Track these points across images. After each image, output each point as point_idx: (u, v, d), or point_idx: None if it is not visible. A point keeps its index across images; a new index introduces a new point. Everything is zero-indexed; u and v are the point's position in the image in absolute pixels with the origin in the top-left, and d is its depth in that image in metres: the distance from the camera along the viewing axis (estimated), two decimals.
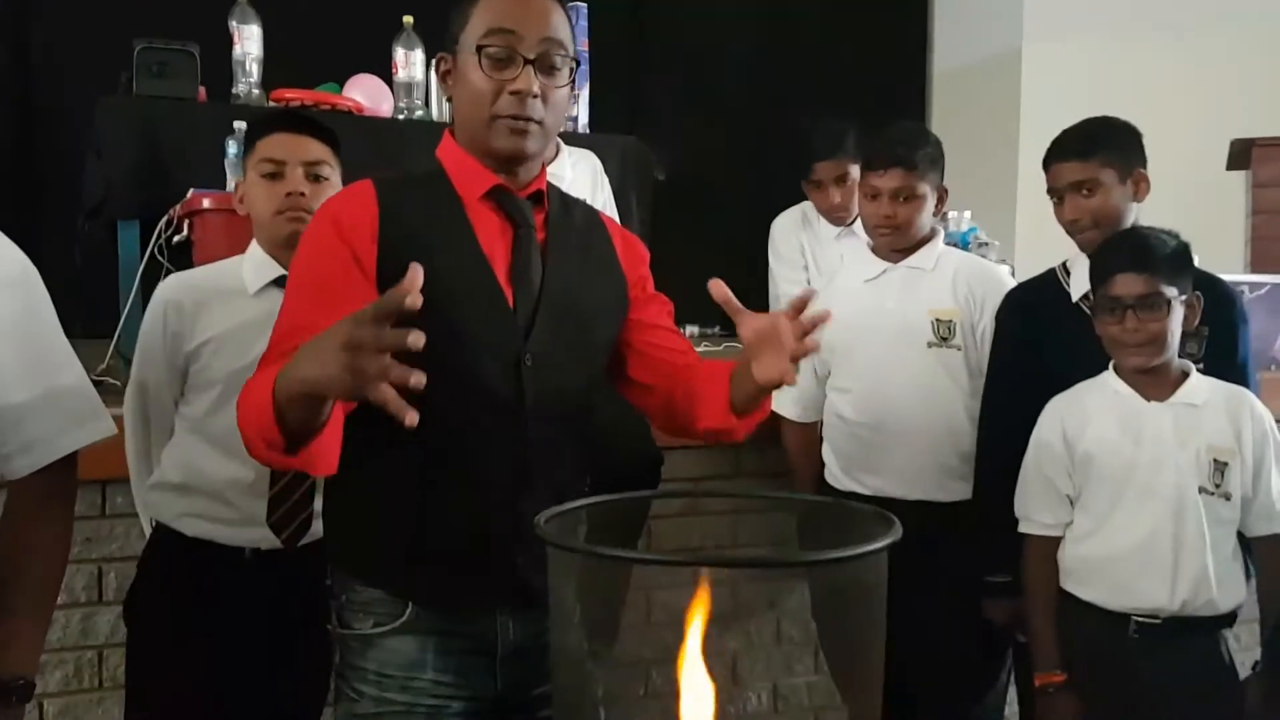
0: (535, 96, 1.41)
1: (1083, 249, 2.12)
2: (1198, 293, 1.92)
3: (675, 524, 2.48)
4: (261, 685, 1.84)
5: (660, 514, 2.45)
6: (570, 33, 1.47)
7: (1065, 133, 2.11)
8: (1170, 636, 1.87)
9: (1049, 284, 2.18)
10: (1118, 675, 1.91)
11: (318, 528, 1.80)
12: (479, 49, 1.40)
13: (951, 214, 3.19)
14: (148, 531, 1.94)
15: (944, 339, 2.20)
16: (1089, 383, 1.98)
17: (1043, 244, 2.28)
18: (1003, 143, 4.57)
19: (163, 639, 1.83)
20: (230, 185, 2.65)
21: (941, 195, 2.26)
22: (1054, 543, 1.99)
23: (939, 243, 2.30)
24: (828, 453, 2.36)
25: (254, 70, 3.17)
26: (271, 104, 3.14)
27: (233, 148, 2.77)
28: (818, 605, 2.06)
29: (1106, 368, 1.99)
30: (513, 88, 1.40)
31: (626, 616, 1.45)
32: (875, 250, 2.31)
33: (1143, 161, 2.09)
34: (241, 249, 1.92)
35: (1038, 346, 2.12)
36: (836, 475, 2.32)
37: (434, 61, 1.52)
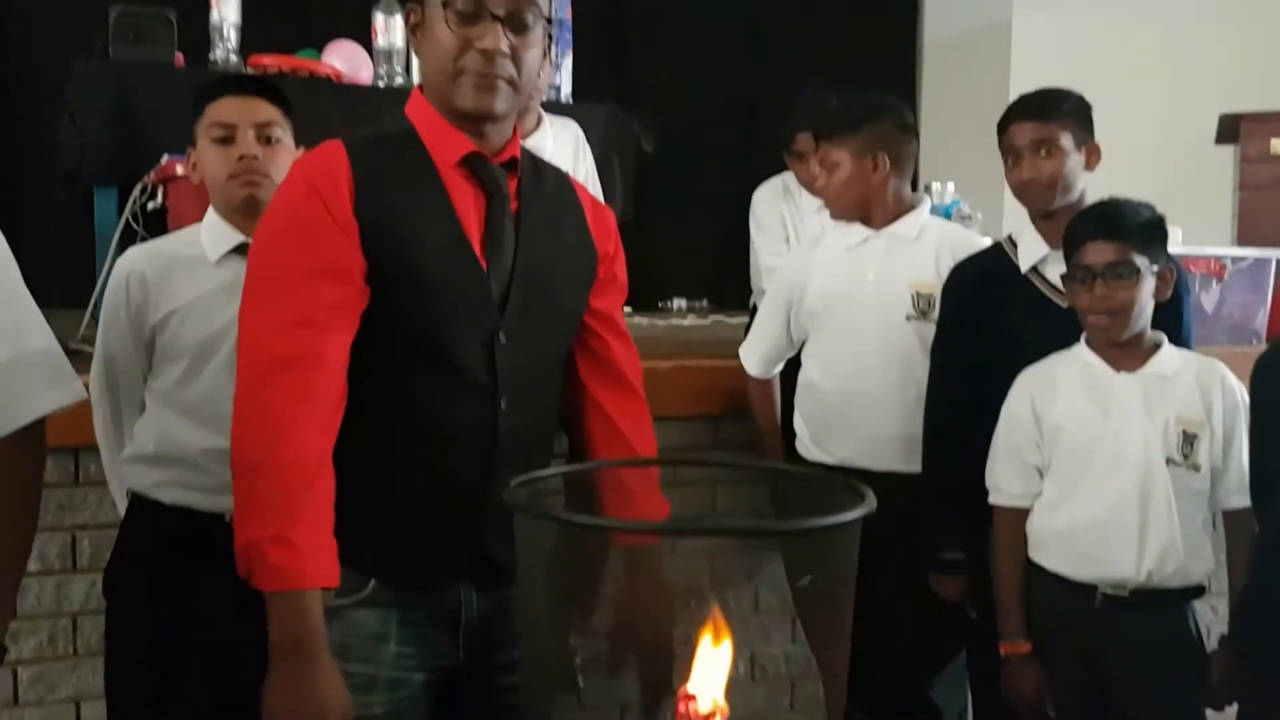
0: (504, 55, 1.37)
1: (1033, 214, 2.10)
2: (1170, 264, 1.91)
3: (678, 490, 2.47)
4: (245, 651, 1.83)
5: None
6: None
7: (1023, 96, 2.10)
8: (1136, 607, 1.87)
9: (996, 257, 2.15)
10: (1082, 646, 1.91)
11: None
12: (445, 3, 1.36)
13: (935, 186, 3.18)
14: (121, 506, 1.92)
15: (923, 312, 2.19)
16: (1060, 354, 1.97)
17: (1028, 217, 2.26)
18: (992, 113, 4.53)
19: (144, 609, 1.81)
20: None
21: (876, 162, 2.22)
22: (1023, 514, 1.98)
23: (923, 212, 2.28)
24: (799, 422, 2.35)
25: (231, 36, 3.14)
26: (250, 70, 3.11)
27: None
28: (791, 576, 2.06)
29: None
30: (480, 45, 1.36)
31: (605, 586, 1.45)
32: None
33: (1093, 134, 2.08)
34: None
35: (986, 319, 2.09)
36: (806, 445, 2.31)
37: (404, 13, 1.48)
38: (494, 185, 1.44)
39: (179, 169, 2.51)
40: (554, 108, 3.06)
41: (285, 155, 1.84)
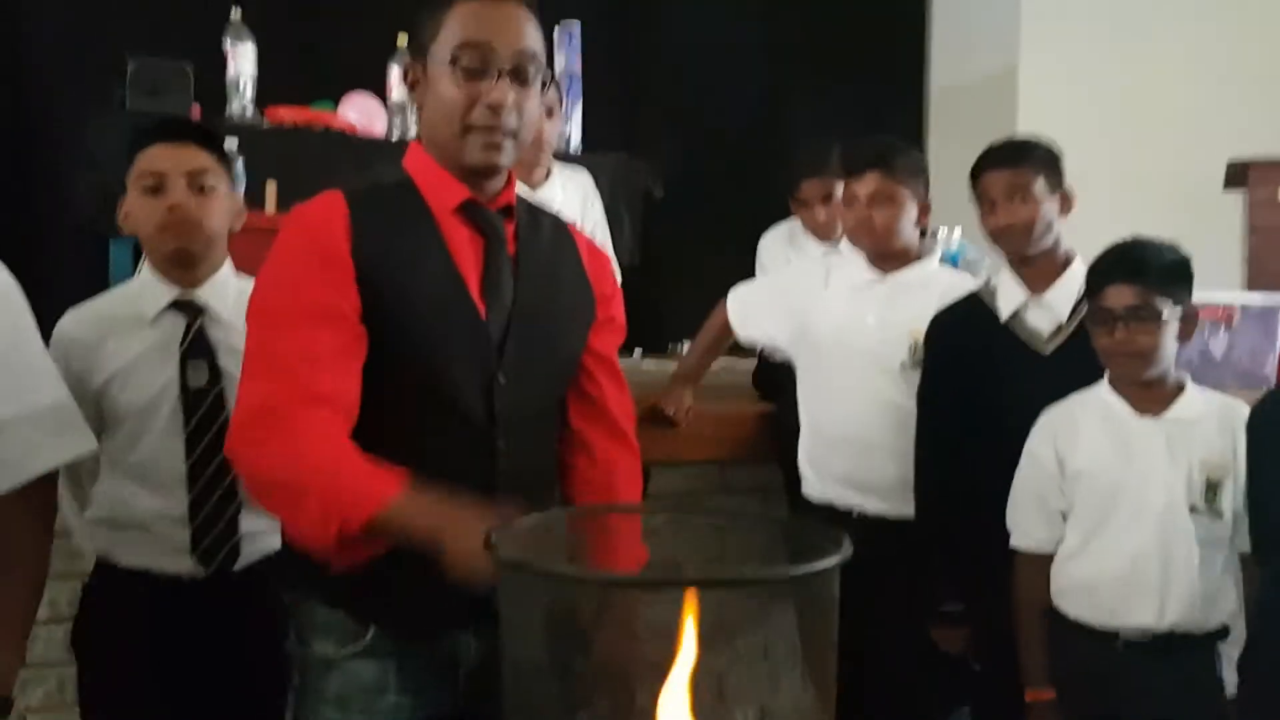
0: (510, 109, 1.40)
1: (1010, 260, 2.11)
2: (1195, 306, 1.89)
3: (664, 539, 2.46)
4: (216, 711, 1.80)
5: (647, 528, 2.44)
6: (541, 43, 1.46)
7: (993, 145, 2.12)
8: (1160, 653, 1.85)
9: (974, 306, 2.15)
10: (1105, 694, 1.88)
11: (250, 550, 1.76)
12: (453, 60, 1.39)
13: (941, 230, 3.18)
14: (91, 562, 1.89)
15: (918, 364, 2.19)
16: (1082, 395, 1.95)
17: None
18: None
19: (111, 670, 1.78)
20: None
21: (924, 207, 2.25)
22: (1046, 559, 1.96)
23: (932, 262, 2.29)
24: (804, 462, 2.34)
25: (247, 89, 3.18)
26: (267, 124, 3.15)
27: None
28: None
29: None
30: (489, 100, 1.39)
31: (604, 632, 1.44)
32: (869, 259, 2.29)
33: (1063, 181, 2.09)
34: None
35: (967, 368, 2.09)
36: (814, 484, 2.30)
37: (402, 71, 1.51)
38: (491, 230, 1.46)
39: None
40: (564, 157, 3.10)
41: (219, 204, 1.77)
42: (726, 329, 2.52)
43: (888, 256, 2.26)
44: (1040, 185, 2.04)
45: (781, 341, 2.39)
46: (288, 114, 3.11)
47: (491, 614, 1.37)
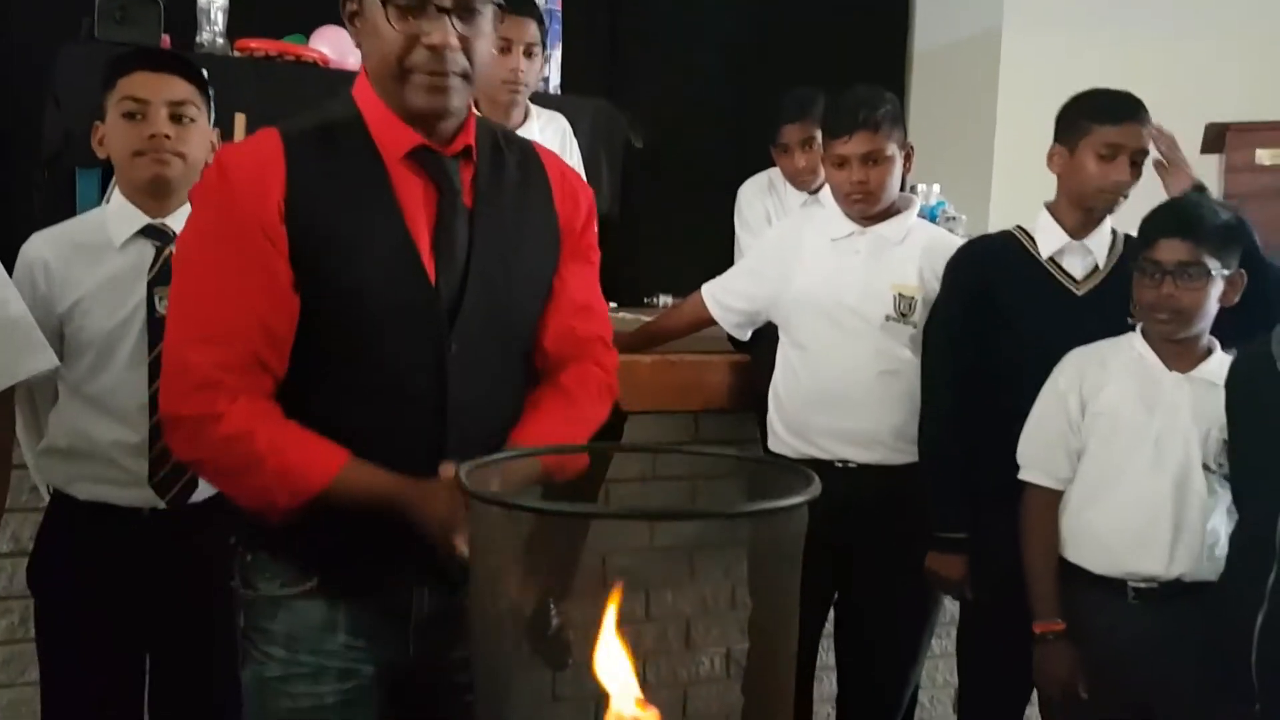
0: (454, 49, 1.27)
1: (1087, 212, 2.12)
2: (1242, 269, 1.90)
3: (633, 488, 2.47)
4: (175, 646, 1.81)
5: (618, 478, 2.44)
6: None
7: (1110, 95, 2.11)
8: (1165, 600, 1.88)
9: (1007, 243, 2.18)
10: (1111, 638, 1.91)
11: (205, 484, 1.74)
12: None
13: (920, 187, 3.18)
14: (45, 496, 1.88)
15: (903, 315, 2.19)
16: (1113, 341, 1.98)
17: (1018, 221, 2.26)
18: (980, 123, 4.56)
19: (68, 605, 1.77)
20: None
21: (908, 153, 2.24)
22: (1056, 495, 1.98)
23: (912, 215, 2.28)
24: (773, 417, 2.33)
25: (219, 19, 3.11)
26: (236, 54, 3.09)
27: None
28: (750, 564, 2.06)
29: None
30: (427, 41, 1.26)
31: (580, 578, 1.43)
32: (846, 213, 2.27)
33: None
34: None
35: (994, 299, 2.12)
36: (782, 439, 2.30)
37: (340, 1, 1.36)
38: (445, 180, 1.33)
39: None
40: (542, 99, 3.05)
41: (199, 136, 1.77)
42: (699, 323, 2.49)
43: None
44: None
45: (762, 306, 2.37)
46: (258, 45, 3.04)
47: (446, 572, 1.30)
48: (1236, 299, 1.90)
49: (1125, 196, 2.10)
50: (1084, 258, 2.13)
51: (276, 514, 1.29)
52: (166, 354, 1.32)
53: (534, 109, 2.83)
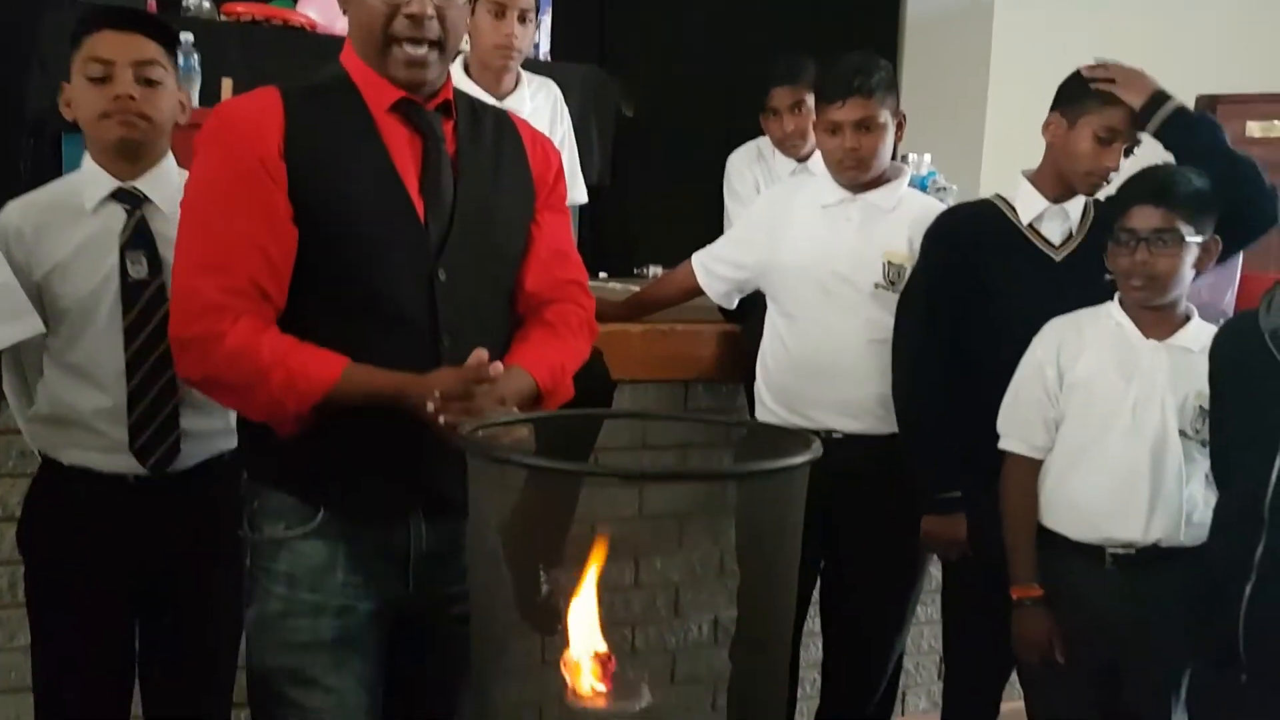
0: (431, 18, 1.39)
1: (1073, 185, 2.12)
2: (1217, 236, 1.91)
3: (623, 455, 2.47)
4: (165, 611, 1.81)
5: (608, 445, 2.45)
6: None
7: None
8: (1145, 564, 1.90)
9: (987, 209, 2.19)
10: (1089, 604, 1.93)
11: (193, 450, 1.75)
12: None
13: (911, 156, 3.17)
14: (38, 458, 1.86)
15: (892, 283, 2.19)
16: (1091, 310, 1.99)
17: (1008, 190, 2.26)
18: (972, 92, 4.56)
19: (57, 569, 1.78)
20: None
21: (900, 121, 2.23)
22: (1035, 464, 2.00)
23: (903, 183, 2.28)
24: (760, 386, 2.34)
25: None
26: (223, 18, 3.06)
27: (180, 61, 2.69)
28: (741, 529, 2.07)
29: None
30: (407, 10, 1.39)
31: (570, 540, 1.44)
32: (837, 180, 2.26)
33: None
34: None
35: (974, 267, 2.12)
36: (771, 409, 2.30)
37: None
38: (429, 129, 1.46)
39: None
40: (532, 66, 3.03)
41: (166, 98, 1.74)
42: (689, 292, 2.48)
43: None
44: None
45: (751, 274, 2.37)
46: (245, 9, 3.02)
47: (443, 504, 1.42)
48: (1211, 265, 1.91)
49: (1108, 182, 2.10)
50: (1062, 221, 2.13)
51: (289, 424, 1.38)
52: (174, 283, 1.42)
53: (525, 75, 2.82)
